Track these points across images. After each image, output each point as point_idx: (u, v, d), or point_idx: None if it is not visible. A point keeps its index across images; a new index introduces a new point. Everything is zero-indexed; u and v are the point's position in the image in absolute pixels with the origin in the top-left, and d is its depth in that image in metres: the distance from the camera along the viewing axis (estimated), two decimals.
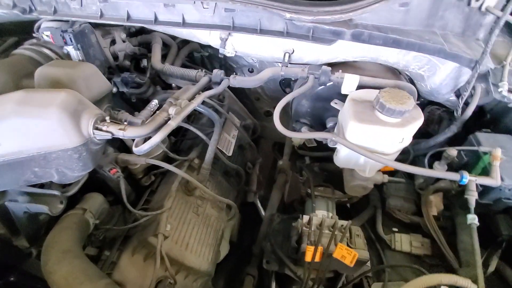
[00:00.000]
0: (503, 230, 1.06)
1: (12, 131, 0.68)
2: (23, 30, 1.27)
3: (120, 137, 0.80)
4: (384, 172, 1.16)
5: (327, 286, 1.21)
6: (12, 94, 0.70)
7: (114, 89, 1.29)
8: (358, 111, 0.90)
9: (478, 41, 1.05)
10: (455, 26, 1.02)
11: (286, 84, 1.72)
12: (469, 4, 0.95)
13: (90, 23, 1.14)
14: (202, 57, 1.75)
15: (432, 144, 1.16)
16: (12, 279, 1.12)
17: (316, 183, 1.57)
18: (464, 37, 1.04)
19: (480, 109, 1.23)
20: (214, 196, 1.23)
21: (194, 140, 1.43)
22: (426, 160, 1.05)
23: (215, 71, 1.12)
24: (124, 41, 1.31)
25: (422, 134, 1.26)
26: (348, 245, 1.11)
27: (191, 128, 1.22)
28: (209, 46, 1.72)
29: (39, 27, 1.13)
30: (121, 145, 1.24)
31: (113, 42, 1.31)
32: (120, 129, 0.78)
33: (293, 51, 1.08)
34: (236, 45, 1.12)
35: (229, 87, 1.13)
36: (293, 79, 1.52)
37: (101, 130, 0.78)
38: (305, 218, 1.18)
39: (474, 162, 1.02)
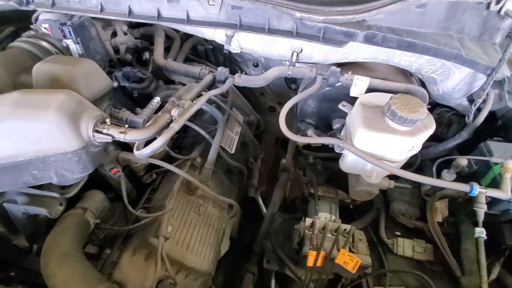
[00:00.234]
0: (507, 240, 1.05)
1: (8, 134, 0.66)
2: (21, 18, 1.23)
3: (121, 140, 0.77)
4: (388, 175, 1.14)
5: (327, 287, 1.21)
6: (8, 96, 0.67)
7: (115, 84, 1.26)
8: (367, 117, 0.87)
9: (494, 46, 1.01)
10: (472, 30, 0.98)
11: (291, 80, 1.67)
12: (488, 7, 0.90)
13: None
14: (206, 50, 1.70)
15: (441, 149, 1.13)
16: (12, 274, 1.12)
17: (319, 182, 1.55)
18: (480, 41, 1.00)
19: (491, 115, 1.19)
20: (216, 196, 1.21)
21: (197, 137, 1.41)
22: (434, 168, 1.03)
23: (219, 69, 1.08)
24: (125, 34, 1.27)
25: (429, 137, 1.23)
26: (350, 249, 1.10)
27: (194, 126, 1.19)
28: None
29: (37, 18, 1.08)
30: (122, 143, 1.21)
31: (114, 34, 1.26)
32: (121, 132, 0.76)
33: (301, 50, 1.03)
34: (242, 42, 1.08)
35: None
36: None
37: (101, 133, 0.75)
38: (308, 221, 1.16)
39: (483, 172, 0.99)
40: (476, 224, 1.02)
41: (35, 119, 0.66)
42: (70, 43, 1.06)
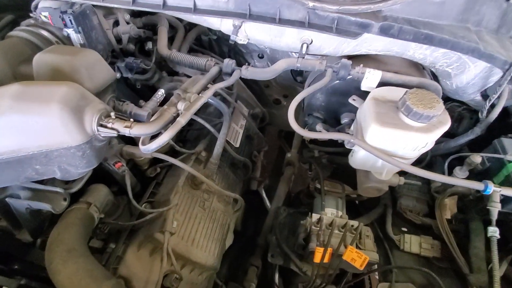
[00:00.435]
0: None
1: (10, 128, 0.63)
2: (20, 6, 1.18)
3: (126, 135, 0.74)
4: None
5: (332, 282, 1.20)
6: (8, 88, 0.64)
7: (118, 75, 1.22)
8: (380, 112, 0.84)
9: None
10: (490, 22, 0.93)
11: (297, 73, 1.63)
12: None
13: None
14: (210, 41, 1.66)
15: (453, 145, 1.10)
16: (16, 267, 1.11)
17: (324, 177, 1.53)
18: (498, 35, 0.96)
19: (503, 111, 1.16)
20: (221, 191, 1.19)
21: (201, 130, 1.38)
22: (446, 165, 1.00)
23: (225, 60, 1.05)
24: (128, 23, 1.22)
25: None
26: (357, 245, 1.09)
27: (199, 120, 1.16)
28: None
29: (36, 6, 1.04)
30: (125, 136, 1.19)
31: (116, 23, 1.22)
32: (126, 127, 0.73)
33: (312, 41, 0.99)
34: (250, 33, 1.04)
35: None
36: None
37: (105, 127, 0.73)
38: (314, 216, 1.15)
39: (497, 169, 0.97)
40: (486, 222, 1.00)
41: (37, 113, 0.63)
42: (71, 32, 1.02)
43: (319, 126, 1.09)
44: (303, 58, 1.02)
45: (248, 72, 1.04)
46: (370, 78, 0.97)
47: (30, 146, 0.66)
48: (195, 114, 1.27)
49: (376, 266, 1.14)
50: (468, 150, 1.21)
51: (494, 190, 0.84)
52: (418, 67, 1.10)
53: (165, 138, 0.76)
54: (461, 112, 1.26)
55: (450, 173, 1.06)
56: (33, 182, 0.82)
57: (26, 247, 1.03)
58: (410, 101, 0.79)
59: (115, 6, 1.01)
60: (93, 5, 1.06)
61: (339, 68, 0.98)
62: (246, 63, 1.06)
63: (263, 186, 1.91)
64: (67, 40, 1.06)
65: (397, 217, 1.30)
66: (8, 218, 0.86)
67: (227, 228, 1.28)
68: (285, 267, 1.43)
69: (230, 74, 1.05)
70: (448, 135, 1.25)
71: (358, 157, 0.95)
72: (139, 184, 1.21)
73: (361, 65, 0.97)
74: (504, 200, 0.95)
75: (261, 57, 1.62)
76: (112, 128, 0.73)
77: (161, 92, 1.02)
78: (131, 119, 0.75)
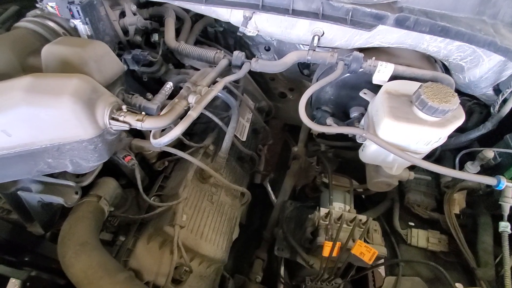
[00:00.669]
0: None
1: (22, 121, 0.63)
2: None
3: (138, 128, 0.74)
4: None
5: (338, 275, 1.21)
6: (20, 80, 0.63)
7: (125, 67, 1.20)
8: (393, 106, 0.83)
9: None
10: (506, 15, 0.91)
11: (304, 65, 1.61)
12: None
13: None
14: (215, 32, 1.63)
15: (463, 140, 1.09)
16: (26, 259, 1.12)
17: (327, 171, 1.53)
18: None
19: None
20: (230, 185, 1.19)
21: (208, 124, 1.37)
22: (457, 159, 0.99)
23: (235, 53, 1.03)
24: (134, 14, 1.20)
25: None
26: (365, 240, 1.09)
27: (208, 114, 1.15)
28: (224, 21, 1.60)
29: None
30: (133, 129, 1.18)
31: (122, 14, 1.20)
32: (138, 120, 0.72)
33: (323, 33, 0.97)
34: (260, 25, 1.02)
35: None
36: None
37: (117, 120, 0.72)
38: (323, 211, 1.15)
39: (508, 164, 0.96)
40: (495, 217, 1.00)
41: (49, 106, 0.63)
42: (78, 23, 1.00)
43: (329, 120, 1.08)
44: (314, 50, 1.00)
45: (258, 64, 1.02)
46: (382, 71, 0.95)
47: (43, 139, 0.65)
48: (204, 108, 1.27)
49: (382, 260, 1.15)
50: (478, 145, 1.20)
51: (507, 185, 0.83)
52: (430, 60, 1.08)
53: (177, 131, 0.75)
54: (471, 106, 1.25)
55: (460, 168, 1.05)
56: (44, 175, 0.82)
57: (36, 239, 1.04)
58: (425, 95, 0.78)
59: None
60: None
61: (351, 61, 0.96)
62: (256, 56, 1.04)
63: (268, 179, 1.92)
64: (74, 32, 1.04)
65: (404, 211, 1.30)
66: (19, 211, 0.86)
67: (235, 222, 1.29)
68: (290, 260, 1.44)
69: (240, 67, 1.03)
70: (457, 129, 1.24)
71: (369, 152, 0.94)
72: (147, 178, 1.21)
73: (374, 58, 0.96)
74: None
75: (268, 50, 1.59)
76: (124, 122, 0.72)
77: (169, 85, 1.01)
78: (143, 113, 0.75)
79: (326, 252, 1.02)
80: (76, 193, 0.83)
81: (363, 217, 1.08)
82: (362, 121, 1.03)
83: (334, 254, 1.02)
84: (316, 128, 0.93)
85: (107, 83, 0.86)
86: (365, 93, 1.01)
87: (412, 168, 1.15)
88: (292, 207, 1.45)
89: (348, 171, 1.52)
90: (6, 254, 1.08)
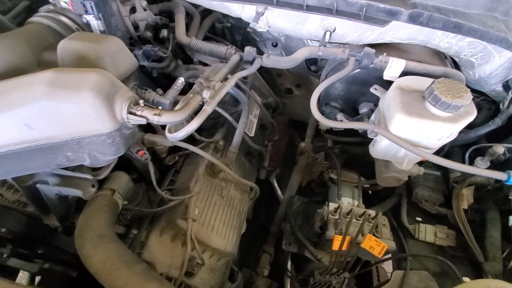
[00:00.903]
0: None
1: (44, 115, 0.64)
2: None
3: (155, 123, 0.75)
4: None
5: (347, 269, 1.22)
6: (42, 74, 0.64)
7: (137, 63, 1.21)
8: (406, 102, 0.83)
9: None
10: None
11: (311, 61, 1.62)
12: None
13: None
14: (222, 28, 1.64)
15: (473, 136, 1.10)
16: (40, 251, 1.14)
17: (334, 167, 1.54)
18: None
19: None
20: (240, 180, 1.21)
21: (217, 119, 1.38)
22: (467, 155, 1.00)
23: (246, 49, 1.04)
24: (145, 9, 1.21)
25: None
26: (374, 234, 1.10)
27: (218, 109, 1.16)
28: (231, 16, 1.60)
29: None
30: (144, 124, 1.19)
31: (133, 10, 1.20)
32: (155, 114, 0.73)
33: (335, 29, 0.98)
34: (272, 20, 1.02)
35: None
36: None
37: (135, 114, 0.73)
38: (332, 205, 1.16)
39: None
40: (503, 212, 1.01)
41: (70, 100, 0.64)
42: (91, 19, 1.01)
43: (340, 116, 1.09)
44: (325, 46, 1.01)
45: (269, 60, 1.03)
46: (393, 67, 0.96)
47: (64, 132, 0.66)
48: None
49: (390, 255, 1.17)
50: (486, 141, 1.21)
51: None
52: (440, 56, 1.09)
53: (193, 126, 0.77)
54: (479, 102, 1.25)
55: (470, 163, 1.06)
56: (61, 169, 0.83)
57: (50, 232, 1.06)
58: (438, 91, 0.78)
59: None
60: None
61: (362, 56, 0.97)
62: (267, 53, 1.05)
63: (274, 175, 1.93)
64: (86, 27, 1.05)
65: (411, 207, 1.31)
66: (37, 203, 0.88)
67: (244, 216, 1.31)
68: (296, 255, 1.46)
69: (251, 63, 1.04)
70: (466, 125, 1.25)
71: (380, 147, 0.95)
72: (158, 172, 1.22)
73: (385, 53, 0.96)
74: None
75: (275, 46, 1.60)
76: (141, 116, 0.73)
77: (181, 81, 1.02)
78: (159, 107, 0.76)
79: (336, 246, 1.04)
80: (93, 186, 0.85)
81: (372, 212, 1.10)
82: (373, 117, 1.04)
83: (344, 248, 1.04)
84: (329, 123, 0.94)
85: (121, 78, 0.87)
86: (375, 89, 1.02)
87: (420, 163, 1.16)
88: (300, 202, 1.46)
89: (354, 167, 1.53)
90: (20, 247, 1.10)
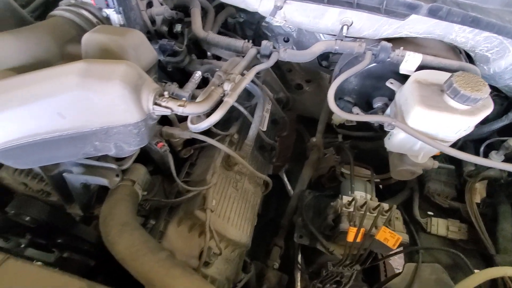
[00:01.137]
0: None
1: (76, 104, 0.66)
2: None
3: (179, 114, 0.76)
4: None
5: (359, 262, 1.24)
6: (74, 65, 0.66)
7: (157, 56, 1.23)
8: (424, 95, 0.85)
9: None
10: None
11: (323, 57, 1.62)
12: None
13: None
14: (234, 23, 1.65)
15: (486, 130, 1.11)
16: (59, 241, 1.17)
17: (346, 161, 1.56)
18: None
19: None
20: (255, 172, 1.23)
21: (231, 113, 1.40)
22: (482, 149, 1.01)
23: (264, 42, 1.05)
24: (161, 4, 1.22)
25: None
26: (387, 227, 1.12)
27: (234, 104, 1.17)
28: (244, 11, 1.61)
29: None
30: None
31: (149, 4, 1.22)
32: (180, 105, 0.75)
33: (352, 23, 0.99)
34: (289, 14, 1.03)
35: None
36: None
37: (160, 105, 0.75)
38: (345, 198, 1.18)
39: None
40: None
41: (101, 90, 0.65)
42: (111, 12, 1.02)
43: (356, 109, 1.10)
44: (342, 40, 1.02)
45: (286, 54, 1.04)
46: (410, 61, 0.97)
47: (94, 122, 0.68)
48: None
49: (401, 248, 1.18)
50: (497, 135, 1.22)
51: None
52: (455, 51, 1.10)
53: (216, 117, 0.78)
54: (492, 98, 1.26)
55: (484, 157, 1.07)
56: (86, 158, 0.85)
57: (70, 221, 1.08)
58: (457, 84, 0.79)
59: None
60: None
61: (379, 50, 0.98)
62: (284, 47, 1.06)
63: (284, 170, 1.95)
64: (106, 21, 1.07)
65: (423, 201, 1.33)
66: (61, 192, 0.90)
67: (257, 209, 1.33)
68: (306, 248, 1.48)
69: (268, 56, 1.05)
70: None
71: (396, 140, 0.96)
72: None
73: (402, 47, 0.97)
74: None
75: (287, 41, 1.61)
76: (166, 107, 0.75)
77: (198, 74, 1.03)
78: (184, 98, 0.77)
79: (350, 238, 1.05)
80: (117, 175, 0.87)
81: (385, 205, 1.11)
82: (388, 111, 1.05)
83: (358, 239, 1.06)
84: (346, 116, 0.95)
85: (144, 70, 0.88)
86: (391, 83, 1.03)
87: (434, 157, 1.17)
88: (311, 196, 1.48)
89: (364, 162, 1.55)
90: (39, 236, 1.13)
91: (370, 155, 1.55)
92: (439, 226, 1.21)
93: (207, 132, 1.26)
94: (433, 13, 0.85)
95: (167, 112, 0.76)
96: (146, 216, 1.09)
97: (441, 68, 0.97)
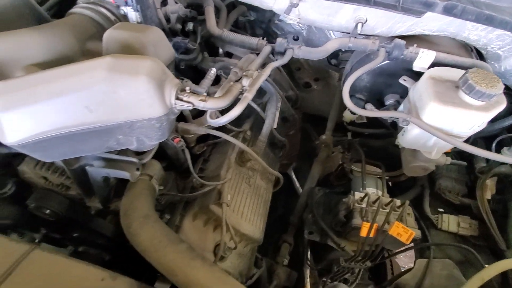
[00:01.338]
0: None
1: (103, 98, 0.67)
2: None
3: (200, 108, 0.78)
4: None
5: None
6: (101, 60, 0.68)
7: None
8: (439, 91, 0.86)
9: None
10: None
11: (332, 55, 1.64)
12: None
13: None
14: (244, 22, 1.67)
15: (497, 127, 1.12)
16: (75, 235, 1.19)
17: (356, 159, 1.57)
18: None
19: None
20: (268, 168, 1.24)
21: (243, 110, 1.41)
22: (494, 144, 1.03)
23: (278, 39, 1.07)
24: (176, 2, 1.24)
25: None
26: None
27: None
28: (254, 10, 1.63)
29: None
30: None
31: (164, 2, 1.24)
32: (201, 100, 0.77)
33: (366, 20, 1.01)
34: (303, 12, 1.05)
35: None
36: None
37: (182, 100, 0.76)
38: (357, 194, 1.19)
39: None
40: None
41: (127, 84, 0.67)
42: (129, 10, 1.04)
43: (370, 106, 1.12)
44: (355, 38, 1.04)
45: (300, 51, 1.06)
46: (423, 58, 0.98)
47: (120, 116, 0.70)
48: None
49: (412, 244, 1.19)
50: (506, 132, 1.23)
51: None
52: (466, 49, 1.11)
53: (236, 112, 0.80)
54: None
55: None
56: (107, 152, 0.87)
57: (88, 215, 1.10)
58: (472, 80, 0.81)
59: None
60: None
61: (393, 48, 0.99)
62: (299, 45, 1.08)
63: (292, 168, 1.96)
64: (123, 18, 1.09)
65: (433, 198, 1.34)
66: (81, 186, 0.92)
67: (269, 205, 1.34)
68: (315, 245, 1.49)
69: (282, 54, 1.07)
70: None
71: (411, 136, 0.98)
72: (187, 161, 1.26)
73: (415, 45, 0.99)
74: None
75: (296, 39, 1.62)
76: (188, 101, 0.76)
77: (213, 71, 1.05)
78: (204, 94, 0.79)
79: (364, 233, 1.07)
80: (137, 169, 0.89)
81: (398, 201, 1.12)
82: (401, 107, 1.07)
83: (371, 235, 1.07)
84: (361, 112, 0.96)
85: None
86: (404, 80, 1.04)
87: (446, 154, 1.18)
88: (321, 193, 1.49)
89: (374, 159, 1.56)
90: (54, 231, 1.15)
91: (379, 152, 1.56)
92: (450, 222, 1.22)
93: (221, 129, 1.28)
94: (448, 11, 0.86)
95: (188, 106, 0.77)
96: (161, 211, 1.10)
97: (454, 65, 0.98)
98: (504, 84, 1.19)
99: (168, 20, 1.24)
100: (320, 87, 1.95)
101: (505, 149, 1.06)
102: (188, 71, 1.44)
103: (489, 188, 1.16)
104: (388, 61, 1.06)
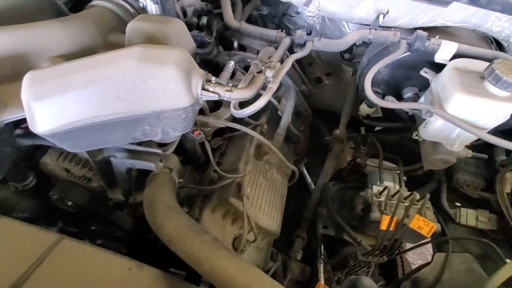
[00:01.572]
0: None
1: (133, 87, 0.67)
2: None
3: (226, 99, 0.78)
4: None
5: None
6: (131, 50, 0.68)
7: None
8: (465, 82, 0.85)
9: None
10: None
11: (346, 49, 1.63)
12: None
13: None
14: (257, 16, 1.66)
15: None
16: (93, 228, 1.20)
17: (371, 153, 1.57)
18: None
19: None
20: (285, 162, 1.24)
21: None
22: None
23: (298, 32, 1.06)
24: None
25: None
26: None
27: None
28: (267, 4, 1.63)
29: None
30: None
31: None
32: (227, 90, 0.77)
33: (388, 11, 1.00)
34: (323, 4, 1.04)
35: None
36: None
37: (208, 90, 0.76)
38: (375, 188, 1.19)
39: None
40: None
41: (157, 74, 0.67)
42: (148, 3, 1.04)
43: (391, 98, 1.11)
44: (376, 29, 1.03)
45: (320, 43, 1.05)
46: (445, 50, 0.97)
47: (148, 106, 0.70)
48: None
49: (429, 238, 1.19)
50: None
51: None
52: (486, 41, 1.10)
53: (262, 103, 0.80)
54: None
55: None
56: (130, 144, 0.87)
57: (107, 208, 1.11)
58: (498, 70, 0.80)
59: None
60: None
61: (414, 39, 0.98)
62: (318, 36, 1.07)
63: (303, 163, 1.96)
64: (142, 11, 1.08)
65: (450, 192, 1.33)
66: (104, 177, 0.93)
67: (285, 199, 1.34)
68: (329, 240, 1.49)
69: (302, 46, 1.07)
70: None
71: (433, 128, 0.97)
72: (203, 155, 1.26)
73: (437, 36, 0.98)
74: None
75: (309, 34, 1.60)
76: (214, 92, 0.76)
77: (232, 64, 1.04)
78: (230, 84, 0.79)
79: (384, 226, 1.06)
80: (161, 161, 0.89)
81: (417, 195, 1.12)
82: (422, 99, 1.06)
83: (392, 228, 1.06)
84: (383, 104, 0.96)
85: None
86: (425, 72, 1.03)
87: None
88: (335, 188, 1.49)
89: (388, 154, 1.55)
90: (70, 224, 1.15)
91: (394, 147, 1.56)
92: (468, 216, 1.21)
93: (238, 122, 1.28)
94: (474, 1, 0.85)
95: (214, 97, 0.77)
96: (180, 204, 1.10)
97: (476, 57, 0.97)
98: None
99: (184, 13, 1.24)
100: (331, 82, 1.94)
101: None
102: (202, 65, 1.43)
103: (509, 181, 1.15)
104: (408, 53, 1.06)
